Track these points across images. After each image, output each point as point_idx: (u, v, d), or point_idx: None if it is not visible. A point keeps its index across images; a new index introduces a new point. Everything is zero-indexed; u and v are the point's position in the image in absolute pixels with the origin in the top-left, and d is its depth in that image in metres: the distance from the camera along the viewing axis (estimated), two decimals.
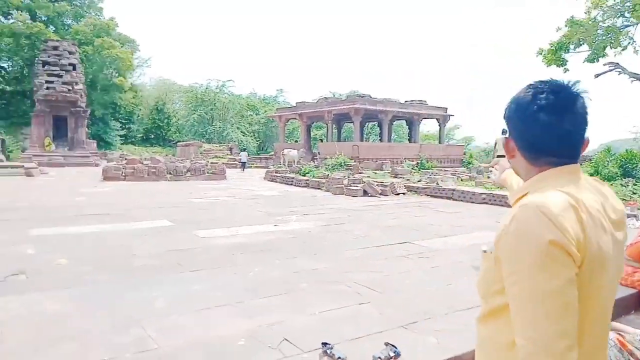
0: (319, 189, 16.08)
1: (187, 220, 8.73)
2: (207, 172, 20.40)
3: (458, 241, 7.25)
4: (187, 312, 3.90)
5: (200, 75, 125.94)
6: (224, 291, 4.48)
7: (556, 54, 6.54)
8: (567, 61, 6.73)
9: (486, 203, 12.14)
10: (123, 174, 18.41)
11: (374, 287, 4.72)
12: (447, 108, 31.66)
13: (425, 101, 30.77)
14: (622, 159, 11.95)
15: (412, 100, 30.33)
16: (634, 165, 11.65)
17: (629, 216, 9.20)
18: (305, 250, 6.36)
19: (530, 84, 1.16)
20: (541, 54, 6.83)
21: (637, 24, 6.16)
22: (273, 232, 7.71)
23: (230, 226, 8.18)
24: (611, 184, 10.50)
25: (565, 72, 7.00)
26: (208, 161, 23.76)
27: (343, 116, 30.67)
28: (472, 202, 12.40)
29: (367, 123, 35.59)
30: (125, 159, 23.05)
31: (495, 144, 17.41)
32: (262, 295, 4.39)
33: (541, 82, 1.15)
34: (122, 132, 43.25)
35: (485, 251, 1.15)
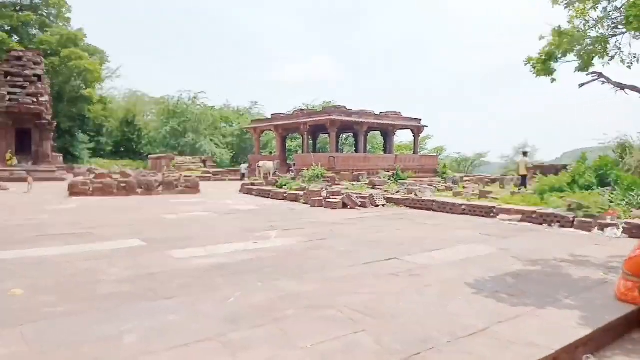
0: (297, 201, 15.68)
1: (160, 239, 8.20)
2: (180, 186, 19.71)
3: (445, 256, 6.99)
4: (163, 349, 3.45)
5: (171, 87, 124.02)
6: (203, 322, 4.03)
7: (545, 64, 6.40)
8: (555, 70, 6.62)
9: (466, 214, 12.00)
10: (90, 189, 17.55)
11: (367, 311, 4.37)
12: (420, 119, 31.87)
13: (399, 112, 30.88)
14: (597, 167, 12.06)
15: (387, 112, 30.38)
16: (609, 174, 11.76)
17: (609, 225, 9.16)
18: (289, 270, 5.96)
19: None
20: (530, 63, 6.68)
21: (624, 33, 6.10)
22: (253, 251, 7.27)
23: (207, 244, 7.70)
24: (589, 193, 10.51)
25: (552, 82, 6.87)
26: (181, 174, 23.04)
27: (318, 127, 30.46)
28: (452, 213, 12.25)
29: (342, 134, 35.49)
30: (94, 172, 22.10)
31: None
32: (245, 326, 3.97)
33: None
34: (91, 145, 41.77)
35: None
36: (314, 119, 28.35)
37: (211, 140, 43.69)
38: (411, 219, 11.32)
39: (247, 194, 19.42)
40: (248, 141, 43.43)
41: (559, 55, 6.38)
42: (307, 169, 21.92)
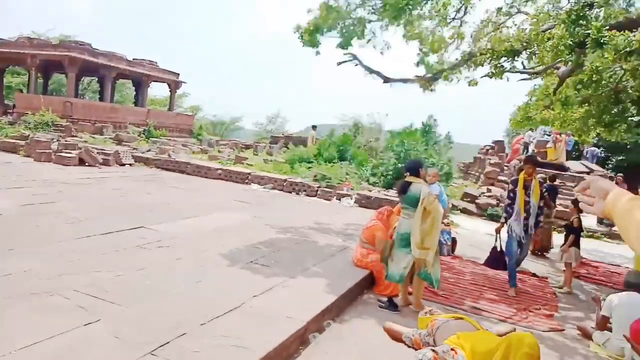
0: (15, 153, 12.56)
1: None
2: None
3: (199, 224, 6.58)
4: None
5: None
6: None
7: (312, 35, 6.55)
8: (320, 43, 6.87)
9: (221, 179, 11.86)
10: None
11: (105, 295, 3.57)
12: (179, 74, 30.15)
13: (155, 62, 28.33)
14: (339, 143, 13.67)
15: (142, 59, 27.42)
16: (348, 149, 13.48)
17: (345, 195, 10.42)
18: None
19: None
20: (298, 31, 6.72)
21: (379, 20, 6.76)
22: None
23: None
24: (332, 166, 11.77)
25: (317, 54, 7.13)
26: None
27: (53, 64, 25.23)
28: (208, 178, 11.92)
29: (84, 77, 30.49)
30: None
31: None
32: None
33: None
34: None
35: None
36: (48, 52, 23.28)
37: None
38: (163, 182, 10.44)
39: None
40: None
41: (325, 29, 6.64)
42: (34, 114, 17.95)
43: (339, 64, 7.53)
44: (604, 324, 4.13)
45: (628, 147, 24.07)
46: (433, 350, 2.09)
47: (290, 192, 10.74)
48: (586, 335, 4.30)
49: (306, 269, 5.03)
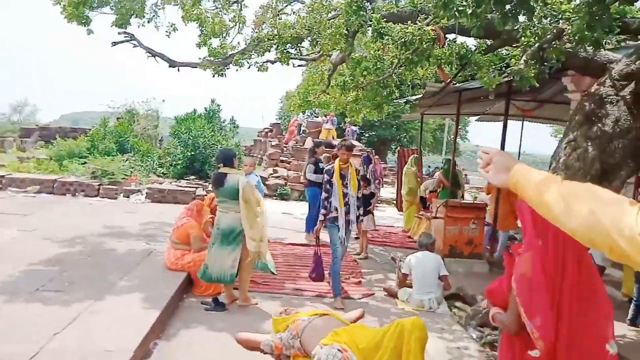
0: None
1: None
2: None
3: None
4: None
5: None
6: None
7: (79, 9, 5.47)
8: (91, 20, 5.82)
9: None
10: None
11: None
12: None
13: None
14: (116, 133, 12.12)
15: None
16: (127, 140, 12.08)
17: (133, 191, 9.40)
18: None
19: None
20: (59, 3, 5.53)
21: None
22: None
23: None
24: (112, 159, 10.39)
25: (89, 33, 6.05)
26: None
27: None
28: None
29: None
30: None
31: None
32: None
33: None
34: None
35: None
36: None
37: None
38: None
39: None
40: None
41: (95, 3, 5.66)
42: None
43: (114, 44, 6.60)
44: (404, 281, 4.81)
45: (377, 124, 28.74)
46: (339, 350, 2.02)
47: (65, 195, 9.05)
48: (392, 294, 4.95)
49: (112, 284, 4.33)
